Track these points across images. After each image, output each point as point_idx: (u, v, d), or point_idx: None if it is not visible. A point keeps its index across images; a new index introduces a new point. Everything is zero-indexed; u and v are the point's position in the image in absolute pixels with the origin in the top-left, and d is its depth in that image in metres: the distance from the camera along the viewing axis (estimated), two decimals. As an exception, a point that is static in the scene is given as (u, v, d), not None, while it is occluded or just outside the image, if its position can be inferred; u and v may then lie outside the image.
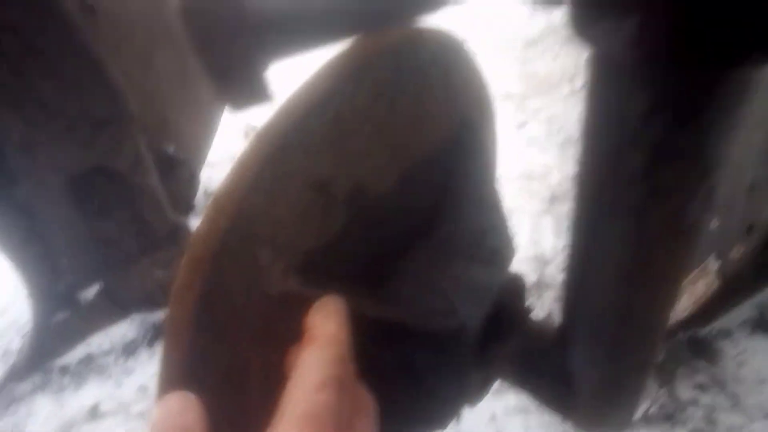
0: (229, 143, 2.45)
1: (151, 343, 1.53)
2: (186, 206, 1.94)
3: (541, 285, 1.57)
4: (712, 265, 1.29)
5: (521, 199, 1.82)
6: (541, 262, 1.64)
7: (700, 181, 0.36)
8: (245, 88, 0.23)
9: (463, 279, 0.64)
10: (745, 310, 1.33)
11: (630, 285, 0.44)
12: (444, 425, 0.73)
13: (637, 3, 0.28)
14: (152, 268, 1.51)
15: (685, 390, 1.24)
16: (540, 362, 0.63)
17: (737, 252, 1.24)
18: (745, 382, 1.23)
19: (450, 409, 0.71)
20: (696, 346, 1.30)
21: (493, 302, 0.64)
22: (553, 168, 1.92)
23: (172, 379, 0.41)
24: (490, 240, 0.70)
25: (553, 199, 1.81)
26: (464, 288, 0.63)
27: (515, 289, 0.72)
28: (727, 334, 1.31)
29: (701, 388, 1.24)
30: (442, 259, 0.64)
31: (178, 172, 1.70)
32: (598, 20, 0.31)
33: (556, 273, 1.55)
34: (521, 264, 1.57)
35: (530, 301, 1.51)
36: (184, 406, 0.38)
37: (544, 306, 1.49)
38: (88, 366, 1.50)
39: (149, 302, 1.54)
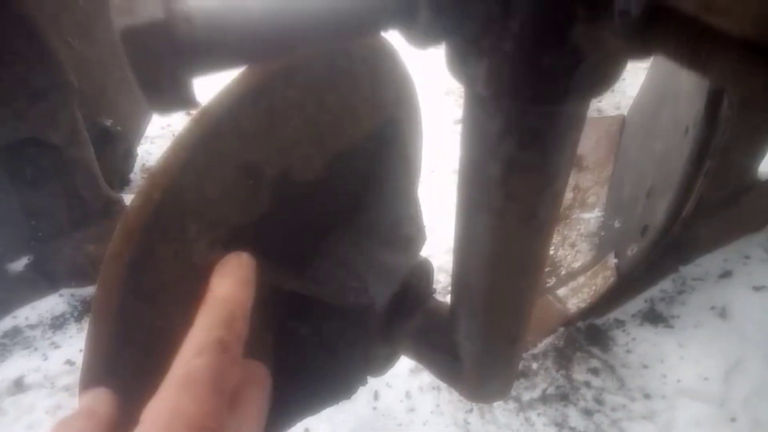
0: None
1: (79, 318, 1.53)
2: (121, 180, 1.94)
3: (462, 274, 1.68)
4: (611, 261, 1.43)
5: (451, 191, 1.92)
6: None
7: (545, 188, 0.45)
8: (172, 99, 0.29)
9: (376, 262, 0.72)
10: (637, 302, 1.49)
11: (495, 271, 0.53)
12: (349, 395, 0.81)
13: (486, 52, 0.36)
14: (84, 242, 1.51)
15: (579, 373, 1.38)
16: (433, 338, 0.72)
17: (632, 250, 1.38)
18: (631, 367, 1.38)
19: (356, 379, 0.80)
20: (592, 334, 1.44)
21: (401, 283, 0.72)
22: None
23: (101, 338, 0.46)
24: (405, 228, 0.78)
25: (480, 195, 1.92)
26: (377, 270, 0.71)
27: (423, 272, 0.81)
28: (620, 324, 1.46)
29: (594, 371, 1.38)
30: (359, 242, 0.72)
31: (115, 146, 1.70)
32: (463, 64, 0.39)
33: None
34: (447, 254, 1.67)
35: (446, 287, 1.62)
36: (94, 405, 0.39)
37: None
38: (14, 339, 1.49)
39: (79, 277, 1.55)
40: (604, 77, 0.36)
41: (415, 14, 0.32)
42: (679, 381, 1.34)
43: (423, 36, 0.33)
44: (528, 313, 0.60)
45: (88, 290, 1.58)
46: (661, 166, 1.38)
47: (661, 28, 0.32)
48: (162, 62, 0.28)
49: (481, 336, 0.61)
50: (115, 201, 1.52)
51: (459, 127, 1.95)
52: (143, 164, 2.14)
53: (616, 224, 1.53)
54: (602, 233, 1.56)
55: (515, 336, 0.61)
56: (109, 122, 1.65)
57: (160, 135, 2.35)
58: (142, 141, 2.12)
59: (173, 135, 2.45)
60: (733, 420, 1.27)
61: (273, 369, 0.52)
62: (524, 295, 0.56)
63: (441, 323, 0.72)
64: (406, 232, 0.79)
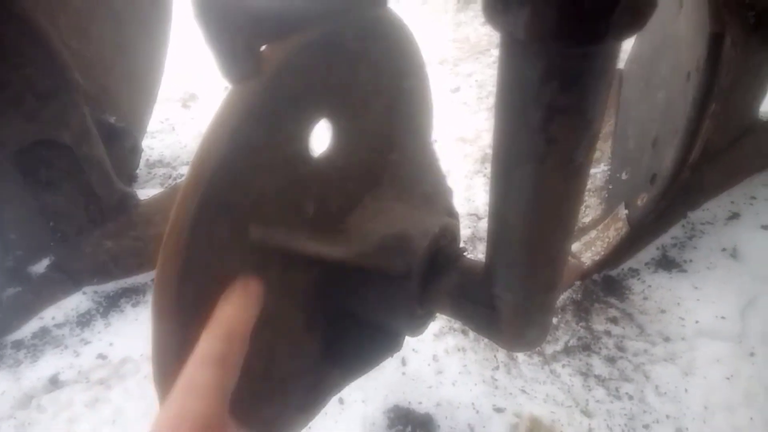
0: (168, 112, 2.43)
1: (105, 313, 1.56)
2: (128, 176, 1.95)
3: (475, 238, 1.71)
4: (621, 213, 1.46)
5: (456, 160, 1.95)
6: (475, 217, 1.78)
7: (584, 131, 0.47)
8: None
9: (406, 222, 0.74)
10: (649, 251, 1.52)
11: (535, 217, 0.55)
12: (390, 355, 0.84)
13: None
14: (102, 239, 1.53)
15: (599, 323, 1.42)
16: (471, 293, 0.75)
17: (642, 200, 1.41)
18: (648, 313, 1.41)
19: (396, 340, 0.83)
20: (608, 285, 1.48)
21: (431, 244, 0.75)
22: (484, 131, 2.05)
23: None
24: (424, 186, 0.81)
25: (485, 160, 1.94)
26: (408, 230, 0.74)
27: (450, 232, 0.83)
28: (634, 273, 1.50)
29: (613, 320, 1.42)
30: (389, 204, 0.75)
31: (121, 142, 1.71)
32: (504, 11, 0.41)
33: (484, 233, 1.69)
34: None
35: (464, 246, 1.65)
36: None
37: (479, 254, 1.63)
38: (43, 339, 1.52)
39: (101, 273, 1.58)
40: (638, 15, 0.38)
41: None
42: (697, 322, 1.37)
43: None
44: (564, 260, 0.62)
45: (111, 286, 1.61)
46: (664, 114, 1.40)
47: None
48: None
49: (520, 285, 0.63)
50: (129, 196, 1.53)
51: (456, 96, 1.97)
52: (147, 159, 2.15)
53: (624, 176, 1.56)
54: (610, 186, 1.59)
55: (552, 283, 0.64)
56: (113, 119, 1.65)
57: (160, 129, 2.36)
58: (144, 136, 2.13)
59: (173, 128, 2.45)
60: (752, 354, 1.31)
61: (326, 345, 0.54)
62: (561, 241, 0.59)
63: (477, 278, 0.74)
64: (425, 190, 0.82)
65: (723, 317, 1.37)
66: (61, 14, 1.50)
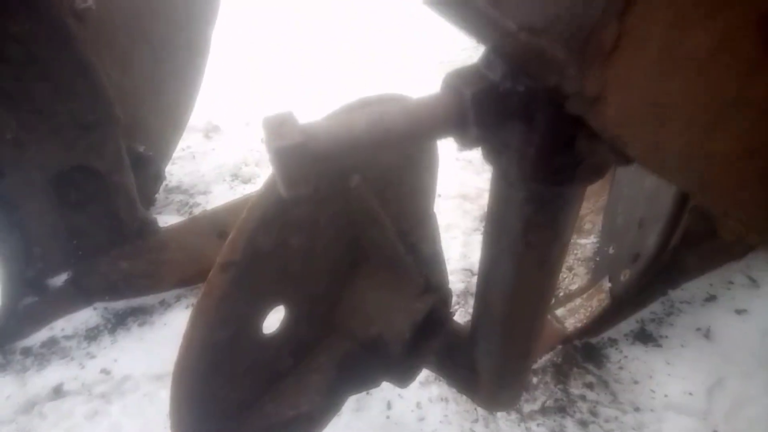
0: (190, 141, 2.56)
1: (113, 330, 1.65)
2: (148, 200, 2.06)
3: (467, 293, 1.81)
4: (605, 285, 1.56)
5: (456, 217, 2.06)
6: (469, 273, 1.88)
7: (554, 241, 0.59)
8: (307, 192, 0.43)
9: (393, 307, 0.87)
10: (629, 323, 1.62)
11: (513, 301, 0.66)
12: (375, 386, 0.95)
13: (516, 153, 0.50)
14: (119, 259, 1.64)
15: (576, 387, 1.50)
16: (455, 355, 0.85)
17: (625, 276, 1.51)
18: (622, 383, 1.51)
19: (380, 381, 0.93)
20: (588, 352, 1.57)
21: (425, 312, 0.86)
22: (485, 191, 2.17)
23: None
24: (422, 276, 0.92)
25: (483, 218, 2.05)
26: (393, 312, 0.86)
27: (443, 299, 0.94)
28: (613, 342, 1.59)
29: (589, 386, 1.51)
30: (378, 289, 0.87)
31: (146, 170, 1.83)
32: (497, 159, 0.53)
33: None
34: (453, 275, 1.80)
35: (456, 307, 1.75)
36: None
37: (470, 309, 1.72)
38: (51, 349, 1.61)
39: (112, 291, 1.67)
40: (598, 170, 0.50)
41: (466, 129, 0.45)
42: (666, 396, 1.46)
43: (471, 142, 0.47)
44: (538, 333, 0.73)
45: (120, 304, 1.70)
46: (650, 200, 1.52)
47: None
48: (301, 169, 0.41)
49: (498, 352, 0.73)
50: (150, 222, 1.64)
51: (461, 155, 2.08)
52: (166, 184, 2.27)
53: (610, 250, 1.67)
54: (597, 258, 1.70)
55: (527, 352, 0.74)
56: (142, 148, 1.77)
57: (180, 156, 2.48)
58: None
59: (193, 157, 2.57)
60: (714, 432, 1.40)
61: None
62: (535, 319, 0.69)
63: (461, 342, 0.85)
64: (423, 281, 0.93)
65: (691, 393, 1.46)
66: (107, 50, 1.63)
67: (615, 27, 0.29)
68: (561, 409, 1.47)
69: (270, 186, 0.66)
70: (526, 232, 0.58)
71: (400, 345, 0.84)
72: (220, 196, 2.19)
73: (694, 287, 1.70)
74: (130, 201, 1.56)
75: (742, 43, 0.25)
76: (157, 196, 2.19)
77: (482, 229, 2.03)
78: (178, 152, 2.47)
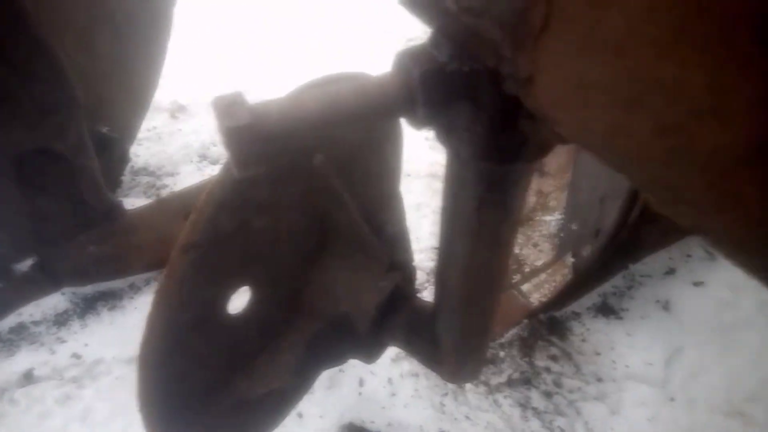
0: (156, 121, 2.51)
1: (82, 314, 1.64)
2: (113, 182, 2.03)
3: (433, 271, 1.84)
4: (568, 260, 1.61)
5: (426, 196, 2.08)
6: (437, 251, 1.91)
7: (506, 218, 0.61)
8: (257, 172, 0.43)
9: (361, 283, 0.88)
10: (592, 297, 1.67)
11: (469, 278, 0.69)
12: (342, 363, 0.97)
13: (465, 132, 0.51)
14: (86, 244, 1.62)
15: (541, 360, 1.55)
16: (420, 330, 0.88)
17: (587, 251, 1.56)
18: (585, 354, 1.56)
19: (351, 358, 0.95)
20: (552, 325, 1.62)
21: (390, 289, 0.88)
22: (455, 170, 2.20)
23: None
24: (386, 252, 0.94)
25: (453, 198, 2.08)
26: (361, 288, 0.87)
27: (408, 276, 0.96)
28: (576, 316, 1.64)
29: (553, 358, 1.56)
30: (345, 268, 0.89)
31: (111, 151, 1.80)
32: (448, 139, 0.54)
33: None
34: (422, 253, 1.83)
35: (426, 284, 1.78)
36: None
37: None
38: (20, 335, 1.59)
39: (81, 277, 1.66)
40: (542, 149, 0.52)
41: (416, 109, 0.46)
42: (627, 366, 1.52)
43: (421, 122, 0.48)
44: (494, 309, 0.75)
45: (89, 289, 1.69)
46: (611, 176, 1.55)
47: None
48: (252, 149, 0.42)
49: (457, 328, 0.76)
50: (116, 205, 1.63)
51: (428, 133, 2.09)
52: (132, 166, 2.23)
53: (574, 227, 1.71)
54: (561, 234, 1.74)
55: (484, 328, 0.77)
56: (106, 129, 1.75)
57: (146, 137, 2.44)
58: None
59: (159, 137, 2.53)
60: (672, 400, 1.46)
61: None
62: (491, 295, 0.72)
63: (425, 318, 0.87)
64: (383, 240, 0.95)
65: (650, 363, 1.52)
66: (68, 31, 1.59)
67: (542, 7, 0.31)
68: (526, 381, 1.52)
69: (229, 167, 0.67)
70: (478, 210, 0.60)
71: (366, 322, 0.86)
72: (188, 177, 2.17)
73: (654, 261, 1.75)
74: (95, 184, 1.54)
75: (652, 27, 0.26)
76: (123, 178, 2.16)
77: (451, 207, 2.06)
78: (143, 133, 2.42)
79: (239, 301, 0.85)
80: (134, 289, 1.72)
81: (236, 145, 0.42)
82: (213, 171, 2.24)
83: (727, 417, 1.43)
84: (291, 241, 0.84)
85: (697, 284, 1.72)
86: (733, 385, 1.49)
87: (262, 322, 0.87)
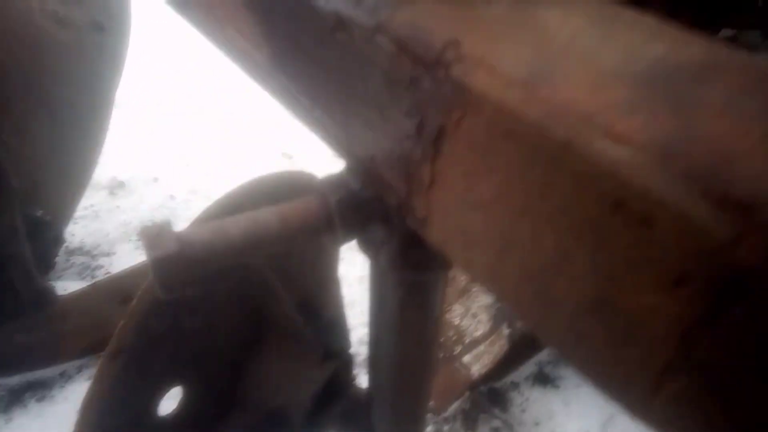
0: (93, 199, 2.48)
1: (7, 408, 1.55)
2: (46, 266, 1.97)
3: (379, 346, 1.86)
4: (504, 331, 1.66)
5: (356, 294, 2.12)
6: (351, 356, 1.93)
7: (427, 318, 0.65)
8: (183, 294, 0.45)
9: (295, 376, 0.90)
10: (529, 366, 1.72)
11: (397, 372, 0.72)
12: None
13: (382, 248, 0.56)
14: (13, 332, 1.56)
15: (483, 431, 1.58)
16: (356, 419, 0.89)
17: (521, 322, 1.62)
18: (526, 424, 1.59)
19: None
20: (493, 396, 1.65)
21: (325, 381, 0.89)
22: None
23: None
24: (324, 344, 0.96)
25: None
26: (297, 381, 0.89)
27: (345, 365, 0.98)
28: (515, 386, 1.69)
29: (496, 431, 1.58)
30: (279, 362, 0.91)
31: (44, 234, 1.77)
32: (368, 250, 0.59)
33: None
34: (365, 327, 1.84)
35: (358, 356, 1.79)
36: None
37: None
38: (-65, 431, 1.49)
39: (8, 367, 1.58)
40: (445, 269, 0.58)
41: (334, 232, 0.51)
42: (564, 434, 1.56)
43: (339, 242, 0.53)
44: (426, 397, 0.78)
45: (16, 379, 1.61)
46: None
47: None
48: (178, 277, 0.45)
49: (390, 417, 0.78)
50: (48, 291, 1.58)
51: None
52: (66, 246, 2.18)
53: (510, 297, 1.78)
54: (497, 304, 1.80)
55: (416, 417, 0.79)
56: (40, 213, 1.72)
57: (83, 215, 2.40)
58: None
59: (96, 215, 2.48)
60: (608, 466, 1.50)
61: None
62: (421, 384, 0.75)
63: (361, 406, 0.89)
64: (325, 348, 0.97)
65: (587, 431, 1.56)
66: (4, 115, 1.59)
67: (429, 169, 0.36)
68: (468, 456, 1.53)
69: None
70: (401, 311, 0.64)
71: (301, 414, 0.87)
72: (125, 256, 2.13)
73: (586, 328, 1.83)
74: (26, 271, 1.50)
75: (511, 195, 0.32)
76: (57, 259, 2.10)
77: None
78: (80, 211, 2.38)
79: (171, 400, 0.85)
80: (65, 377, 1.65)
81: (162, 273, 0.45)
82: (152, 249, 2.21)
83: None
84: (224, 337, 0.85)
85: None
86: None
87: (196, 422, 0.86)
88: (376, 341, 0.73)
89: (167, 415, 0.80)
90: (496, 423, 1.61)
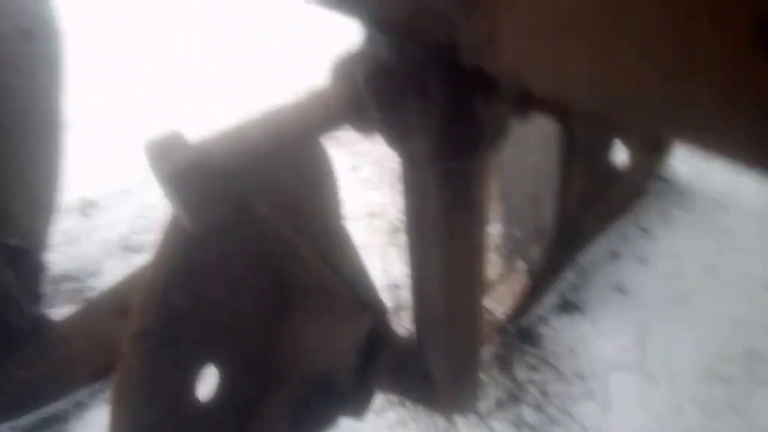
0: (67, 222, 2.36)
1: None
2: (34, 296, 1.86)
3: (397, 308, 1.80)
4: (521, 266, 1.62)
5: (367, 236, 2.05)
6: (394, 288, 1.88)
7: (474, 218, 0.59)
8: (209, 217, 0.38)
9: (333, 337, 0.83)
10: (551, 298, 1.68)
11: (450, 290, 0.65)
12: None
13: (420, 132, 0.49)
14: (15, 369, 1.46)
15: (522, 373, 1.53)
16: (406, 367, 0.83)
17: (535, 252, 1.57)
18: (561, 355, 1.55)
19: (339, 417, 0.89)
20: (523, 335, 1.61)
21: (365, 336, 0.83)
22: (389, 205, 2.19)
23: None
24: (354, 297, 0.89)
25: (395, 231, 2.06)
26: (334, 342, 0.82)
27: (380, 318, 0.92)
28: (542, 320, 1.65)
29: (533, 368, 1.54)
30: (315, 323, 0.84)
31: (24, 263, 1.66)
32: (401, 142, 0.52)
33: (408, 295, 1.79)
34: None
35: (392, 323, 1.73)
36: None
37: (404, 324, 1.71)
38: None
39: (17, 408, 1.48)
40: (498, 138, 0.51)
41: (365, 114, 0.44)
42: (604, 357, 1.53)
43: (371, 127, 0.46)
44: (481, 321, 0.72)
45: (28, 419, 1.51)
46: (538, 175, 1.59)
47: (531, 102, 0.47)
48: (202, 190, 0.38)
49: (448, 349, 0.72)
50: (42, 318, 1.48)
51: (356, 174, 2.09)
52: (51, 275, 2.06)
53: (515, 232, 1.73)
54: (506, 243, 1.75)
55: (475, 341, 0.73)
56: (15, 242, 1.60)
57: (61, 242, 2.27)
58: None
59: (74, 239, 2.36)
60: (653, 380, 1.48)
61: None
62: (475, 303, 0.69)
63: (410, 354, 0.83)
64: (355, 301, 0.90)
65: (624, 349, 1.53)
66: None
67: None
68: (514, 399, 1.48)
69: (170, 238, 0.61)
70: (446, 214, 0.57)
71: (348, 374, 0.80)
72: (113, 273, 2.03)
73: (598, 248, 1.80)
74: (14, 303, 1.40)
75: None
76: (44, 289, 1.99)
77: (395, 242, 2.04)
78: (57, 237, 2.26)
79: (207, 384, 0.78)
80: (80, 407, 1.55)
81: (184, 189, 0.37)
82: (139, 260, 2.11)
83: (707, 382, 1.46)
84: (250, 305, 0.78)
85: (642, 261, 1.78)
86: (703, 350, 1.53)
87: (237, 403, 0.79)
88: (419, 265, 0.66)
89: (207, 400, 0.73)
90: (532, 360, 1.57)
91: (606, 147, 1.56)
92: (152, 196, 2.45)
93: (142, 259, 2.12)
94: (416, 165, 0.54)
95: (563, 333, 1.60)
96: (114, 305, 1.55)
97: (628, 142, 1.76)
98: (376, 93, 0.42)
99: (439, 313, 0.68)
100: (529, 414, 1.44)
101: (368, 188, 2.32)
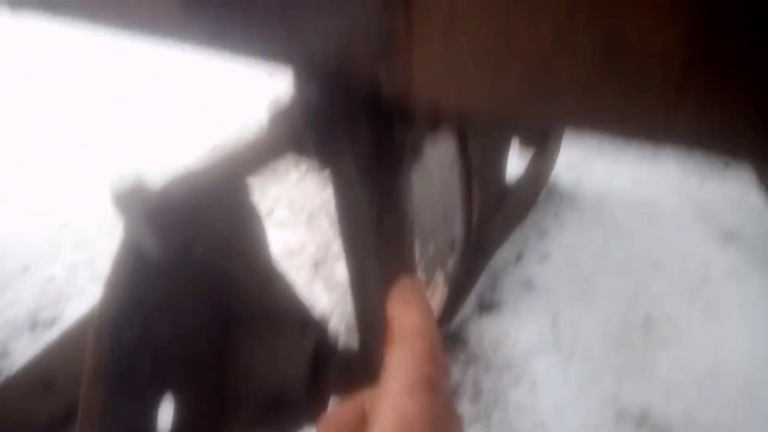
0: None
1: None
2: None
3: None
4: (439, 278, 1.74)
5: (290, 273, 2.10)
6: (325, 318, 1.93)
7: (404, 223, 0.68)
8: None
9: (282, 352, 0.88)
10: (471, 301, 1.82)
11: (385, 293, 0.74)
12: None
13: (350, 149, 0.58)
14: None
15: (455, 370, 1.64)
16: (354, 373, 0.90)
17: (450, 263, 1.71)
18: (488, 348, 1.68)
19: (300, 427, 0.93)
20: (452, 337, 1.72)
21: (312, 351, 0.89)
22: (307, 242, 2.26)
23: None
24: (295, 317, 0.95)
25: (316, 266, 2.13)
26: (284, 356, 0.88)
27: (323, 327, 0.98)
28: (466, 321, 1.77)
29: (465, 364, 1.65)
30: (260, 342, 0.89)
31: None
32: (335, 161, 0.60)
33: (338, 323, 1.85)
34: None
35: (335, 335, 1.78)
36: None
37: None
38: None
39: None
40: (416, 152, 0.61)
41: (305, 146, 0.52)
42: (523, 345, 1.67)
43: (310, 155, 0.54)
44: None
45: None
46: (444, 195, 1.74)
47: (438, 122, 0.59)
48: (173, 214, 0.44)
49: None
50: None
51: (270, 216, 2.13)
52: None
53: (431, 249, 1.86)
54: (425, 259, 1.88)
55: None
56: None
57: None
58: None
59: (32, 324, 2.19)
60: (570, 356, 1.64)
61: None
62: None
63: (356, 359, 0.90)
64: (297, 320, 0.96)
65: (540, 335, 1.69)
66: None
67: (403, 20, 0.39)
68: (453, 394, 1.58)
69: (114, 284, 0.65)
70: (379, 216, 0.66)
71: (302, 385, 0.86)
72: (24, 352, 1.93)
73: (505, 252, 1.97)
74: None
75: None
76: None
77: (318, 276, 2.10)
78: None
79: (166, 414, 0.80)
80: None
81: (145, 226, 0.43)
82: (52, 334, 2.01)
83: (615, 351, 1.64)
84: (196, 337, 0.82)
85: (543, 258, 1.97)
86: (606, 324, 1.72)
87: (197, 430, 0.82)
88: (359, 277, 0.74)
89: (168, 430, 0.76)
90: (463, 358, 1.68)
91: (500, 166, 1.75)
92: (54, 269, 2.34)
93: (54, 334, 2.02)
94: (349, 178, 0.63)
95: (487, 330, 1.73)
96: (35, 379, 1.48)
97: (521, 150, 1.98)
98: (311, 128, 0.51)
99: (378, 316, 0.76)
100: (467, 406, 1.54)
101: (284, 228, 2.38)
